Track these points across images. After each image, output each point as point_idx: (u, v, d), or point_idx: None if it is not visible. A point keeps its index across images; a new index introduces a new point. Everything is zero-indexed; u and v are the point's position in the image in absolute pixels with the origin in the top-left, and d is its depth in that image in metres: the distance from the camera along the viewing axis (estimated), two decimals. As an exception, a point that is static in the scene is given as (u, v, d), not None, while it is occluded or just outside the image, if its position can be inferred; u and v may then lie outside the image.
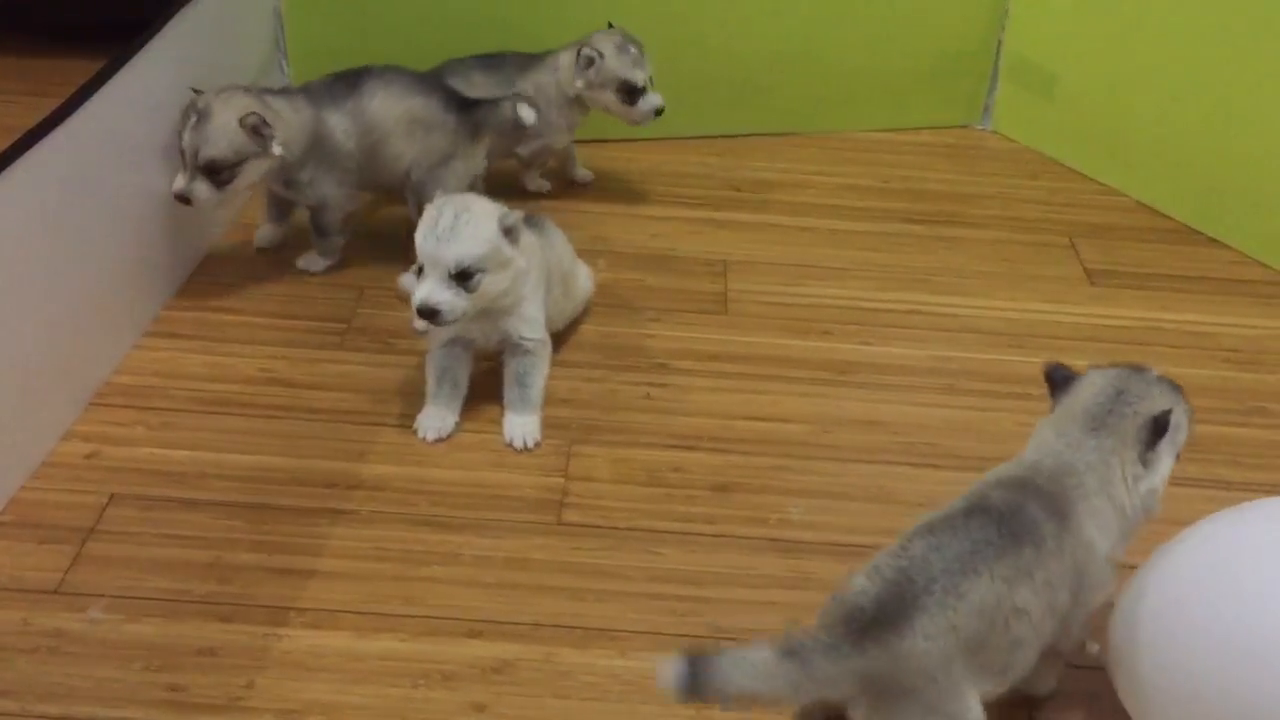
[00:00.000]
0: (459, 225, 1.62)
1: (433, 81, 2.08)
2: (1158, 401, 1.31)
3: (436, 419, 1.75)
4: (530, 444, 1.74)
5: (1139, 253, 2.27)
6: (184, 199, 1.87)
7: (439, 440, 1.74)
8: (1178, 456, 1.35)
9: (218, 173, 1.86)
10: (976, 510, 1.23)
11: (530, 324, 1.75)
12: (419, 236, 1.64)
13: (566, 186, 2.38)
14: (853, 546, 1.61)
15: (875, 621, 1.15)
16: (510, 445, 1.74)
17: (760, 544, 1.62)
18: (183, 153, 1.86)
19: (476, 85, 2.16)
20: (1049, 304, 2.13)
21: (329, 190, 1.99)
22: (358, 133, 1.98)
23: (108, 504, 1.60)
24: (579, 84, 2.18)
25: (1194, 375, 1.94)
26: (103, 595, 1.48)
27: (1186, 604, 1.26)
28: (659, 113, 2.20)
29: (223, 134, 1.84)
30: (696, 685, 1.14)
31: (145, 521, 1.59)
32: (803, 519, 1.66)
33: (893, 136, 2.62)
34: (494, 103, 2.08)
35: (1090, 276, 2.21)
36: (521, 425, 1.75)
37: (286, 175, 1.97)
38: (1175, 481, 1.43)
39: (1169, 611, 1.27)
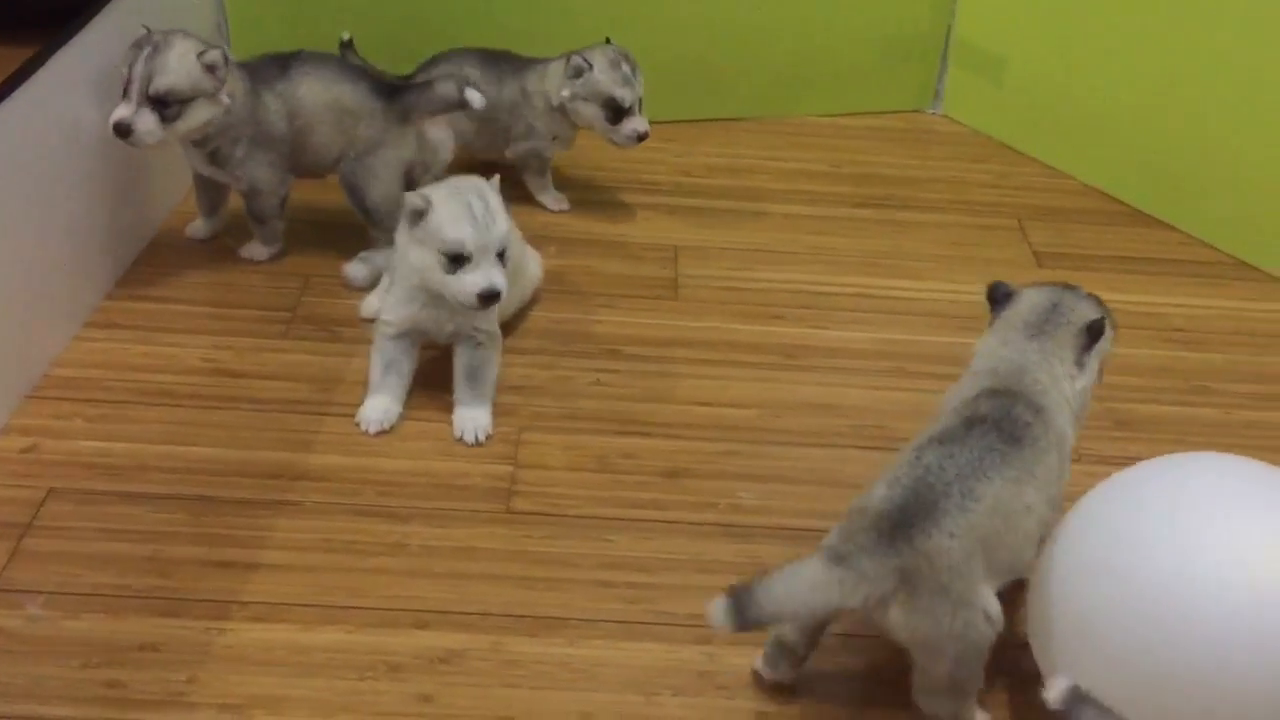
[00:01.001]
0: (491, 208, 1.65)
1: (360, 70, 2.05)
2: (1089, 313, 1.44)
3: (379, 410, 1.72)
4: (482, 438, 1.71)
5: (1086, 234, 2.29)
6: (124, 130, 1.80)
7: (381, 432, 1.71)
8: (1102, 368, 1.46)
9: (167, 105, 1.80)
10: (974, 420, 1.33)
11: (484, 314, 1.73)
12: (454, 229, 1.62)
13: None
14: (803, 530, 1.60)
15: (903, 524, 1.24)
16: (461, 439, 1.71)
17: (711, 529, 1.61)
18: (129, 84, 1.80)
19: (469, 78, 2.10)
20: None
21: (260, 172, 1.95)
22: (287, 114, 1.95)
23: (45, 498, 1.57)
24: (564, 93, 2.12)
25: (1140, 355, 1.97)
26: (41, 592, 1.45)
27: (1089, 555, 1.29)
28: (642, 138, 2.13)
29: (181, 64, 1.79)
30: (746, 615, 1.24)
31: (84, 516, 1.55)
32: (753, 503, 1.66)
33: (844, 121, 2.61)
34: (423, 85, 2.04)
35: (1038, 258, 2.22)
36: (473, 419, 1.73)
37: (220, 147, 1.92)
38: (1122, 459, 1.45)
39: (1074, 562, 1.30)
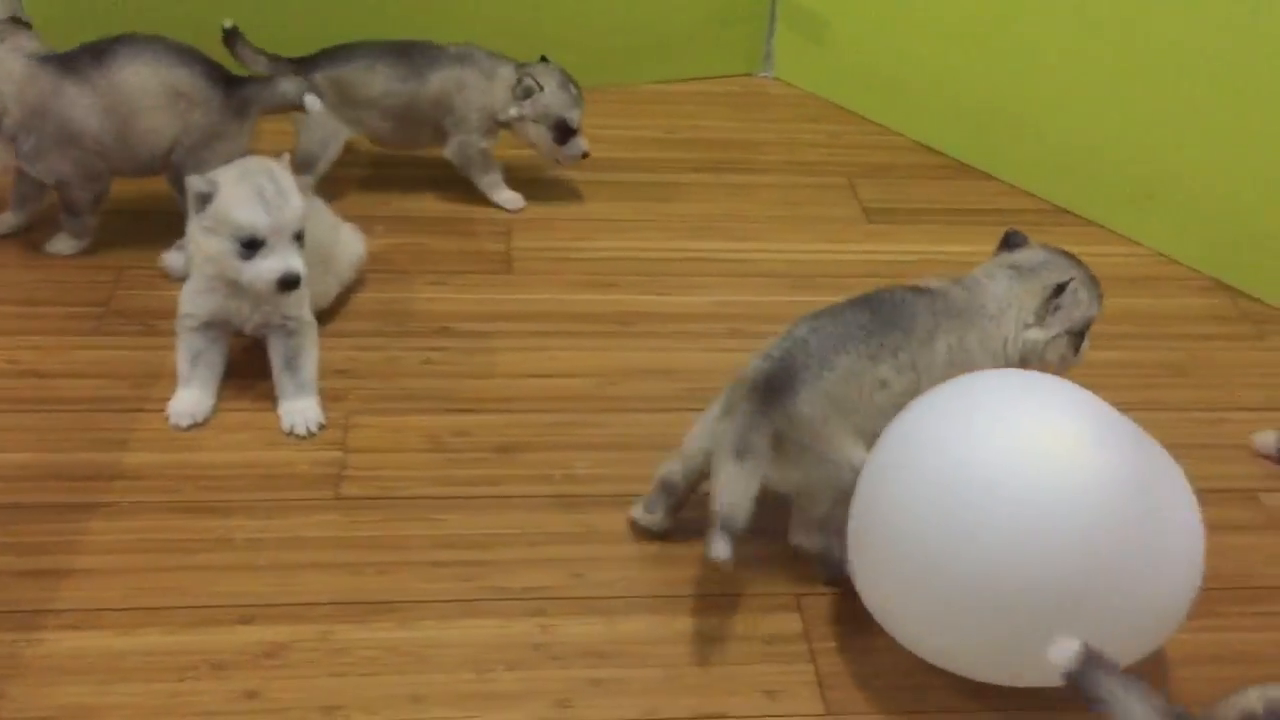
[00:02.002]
0: (283, 189, 1.57)
1: (194, 52, 1.96)
2: (1066, 277, 1.52)
3: (189, 403, 1.66)
4: (314, 428, 1.66)
5: (914, 189, 2.33)
6: None
7: (194, 425, 1.66)
8: (1072, 335, 1.53)
9: None
10: (860, 300, 1.48)
11: (294, 300, 1.68)
12: (244, 212, 1.55)
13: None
14: (640, 496, 1.60)
15: (769, 390, 1.38)
16: (292, 433, 1.66)
17: (545, 501, 1.60)
18: None
19: (380, 74, 2.06)
20: (830, 244, 2.16)
21: (62, 168, 1.87)
22: (103, 109, 1.85)
23: None
24: (513, 111, 2.09)
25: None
26: None
27: (888, 456, 1.33)
28: (585, 157, 2.14)
29: None
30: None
31: (-122, 533, 1.47)
32: (588, 473, 1.65)
33: (677, 87, 2.61)
34: (266, 80, 1.97)
35: (868, 215, 2.25)
36: (300, 411, 1.67)
37: (15, 138, 1.83)
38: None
39: (875, 464, 1.34)
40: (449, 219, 2.15)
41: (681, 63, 2.61)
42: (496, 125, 2.13)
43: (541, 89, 2.08)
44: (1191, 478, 1.32)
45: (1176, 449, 1.34)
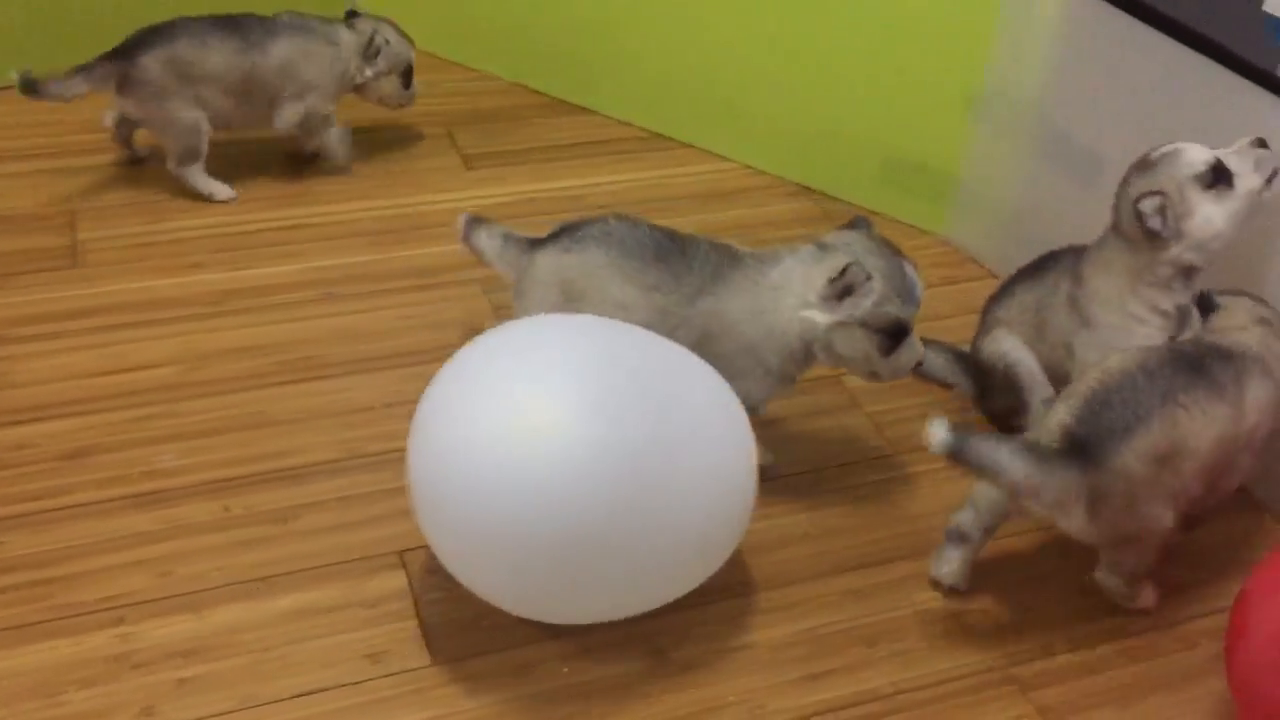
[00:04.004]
0: None
1: None
2: (857, 259, 1.41)
3: None
4: None
5: (512, 131, 2.31)
6: None
7: None
8: (873, 332, 1.42)
9: None
10: (665, 231, 1.52)
11: None
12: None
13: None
14: (232, 479, 1.52)
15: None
16: None
17: (123, 504, 1.48)
18: None
19: (214, 49, 1.95)
20: (430, 195, 2.12)
21: None
22: None
23: None
24: (368, 73, 2.10)
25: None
26: None
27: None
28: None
29: None
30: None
31: None
32: (174, 465, 1.54)
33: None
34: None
35: (467, 162, 2.22)
36: None
37: None
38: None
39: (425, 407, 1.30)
40: None
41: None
42: (346, 89, 2.11)
43: (388, 42, 2.10)
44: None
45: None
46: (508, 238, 1.63)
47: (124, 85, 1.94)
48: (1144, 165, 1.50)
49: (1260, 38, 1.58)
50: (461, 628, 1.36)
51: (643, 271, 1.47)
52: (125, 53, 1.93)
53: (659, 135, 2.33)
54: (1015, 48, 1.90)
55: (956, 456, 1.26)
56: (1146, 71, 1.69)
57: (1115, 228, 1.53)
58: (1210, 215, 1.46)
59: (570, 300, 1.49)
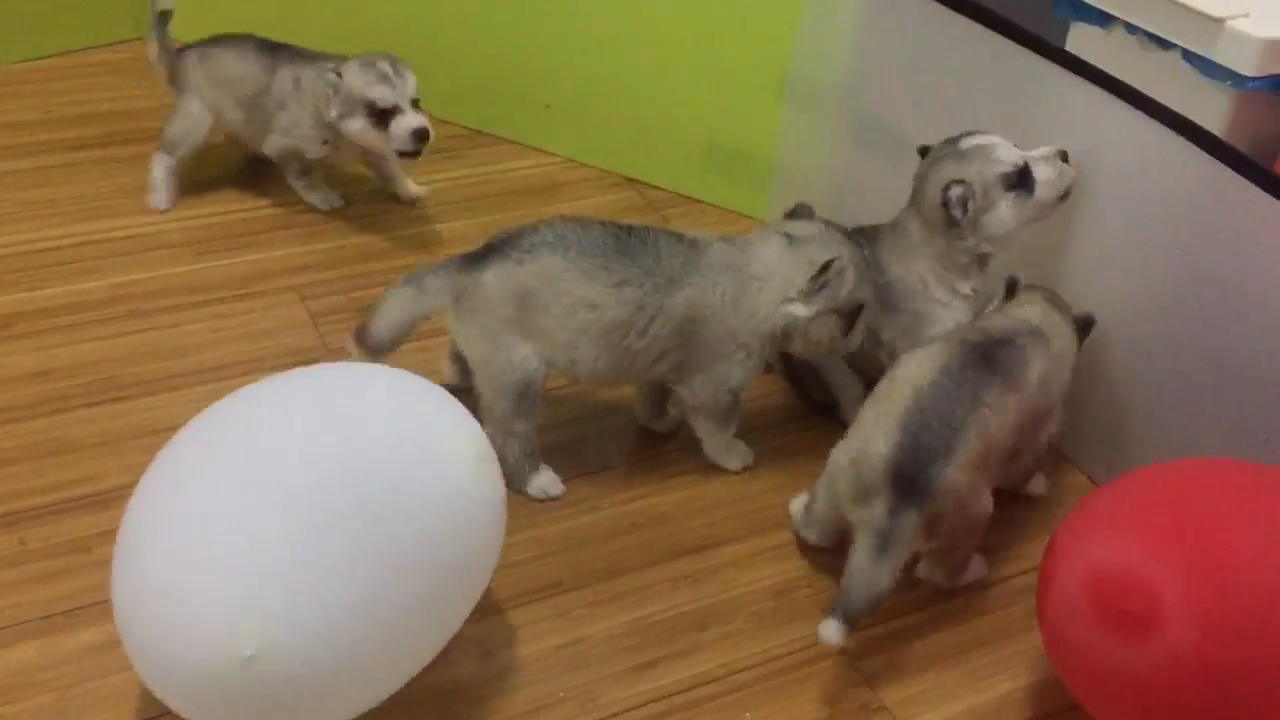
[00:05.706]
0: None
1: None
2: (834, 252, 1.47)
3: None
4: None
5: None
6: None
7: None
8: (841, 316, 1.49)
9: None
10: (617, 226, 1.49)
11: None
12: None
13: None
14: (28, 511, 1.43)
15: (475, 259, 1.48)
16: None
17: (-98, 548, 1.38)
18: None
19: (249, 61, 1.97)
20: (233, 205, 2.04)
21: None
22: None
23: None
24: (333, 114, 1.88)
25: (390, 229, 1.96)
26: None
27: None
28: (420, 137, 1.87)
29: None
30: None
31: None
32: (-40, 503, 1.44)
33: (58, 62, 2.36)
34: None
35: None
36: None
37: None
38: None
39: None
40: None
41: (59, 35, 2.35)
42: (328, 129, 1.93)
43: (340, 76, 1.88)
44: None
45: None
46: (420, 279, 1.50)
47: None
48: (955, 153, 1.53)
49: (1048, 12, 1.64)
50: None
51: (606, 268, 1.44)
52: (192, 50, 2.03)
53: (480, 132, 2.30)
54: (821, 31, 1.93)
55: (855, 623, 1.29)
56: (945, 50, 1.73)
57: (916, 207, 1.56)
58: (1005, 216, 1.52)
59: (528, 313, 1.45)
